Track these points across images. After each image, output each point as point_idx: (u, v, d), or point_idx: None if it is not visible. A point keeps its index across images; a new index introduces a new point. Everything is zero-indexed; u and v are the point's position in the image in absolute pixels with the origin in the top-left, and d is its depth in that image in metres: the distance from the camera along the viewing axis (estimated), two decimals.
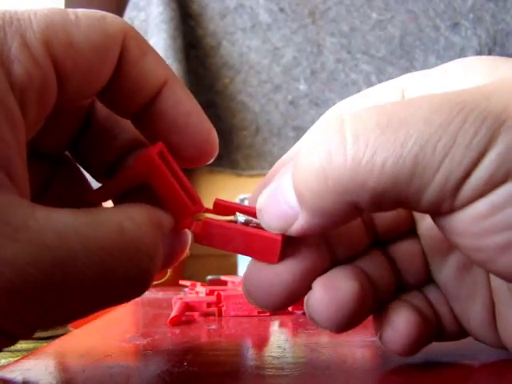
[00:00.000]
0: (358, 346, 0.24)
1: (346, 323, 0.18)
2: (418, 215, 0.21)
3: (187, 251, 0.20)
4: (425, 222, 0.20)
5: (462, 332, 0.21)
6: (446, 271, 0.20)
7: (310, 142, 0.16)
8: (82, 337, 0.29)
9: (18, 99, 0.15)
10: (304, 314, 0.35)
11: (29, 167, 0.16)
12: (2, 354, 0.44)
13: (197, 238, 0.19)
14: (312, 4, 0.90)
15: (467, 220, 0.15)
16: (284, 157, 0.21)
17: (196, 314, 0.35)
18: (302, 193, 0.16)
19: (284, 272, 0.18)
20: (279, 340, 0.27)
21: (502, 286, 0.19)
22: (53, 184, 0.21)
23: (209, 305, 0.35)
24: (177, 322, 0.32)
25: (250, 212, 0.19)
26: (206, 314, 0.35)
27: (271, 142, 0.88)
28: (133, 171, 0.19)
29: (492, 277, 0.20)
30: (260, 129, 0.89)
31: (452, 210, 0.15)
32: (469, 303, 0.20)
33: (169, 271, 0.27)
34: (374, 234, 0.21)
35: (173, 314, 0.32)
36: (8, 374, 0.20)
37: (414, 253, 0.21)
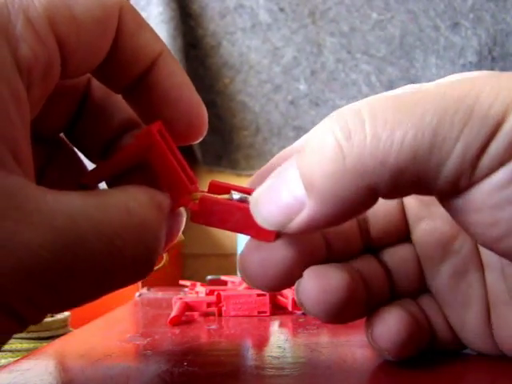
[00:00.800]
0: (357, 345, 0.24)
1: (336, 313, 0.18)
2: (412, 221, 0.20)
3: (181, 233, 0.20)
4: (419, 229, 0.20)
5: (455, 341, 0.21)
6: (439, 278, 0.20)
7: (322, 126, 0.16)
8: (82, 337, 0.29)
9: (25, 79, 0.15)
10: (304, 314, 0.35)
11: (62, 96, 0.17)
12: (1, 354, 0.44)
13: (194, 217, 0.19)
14: (312, 4, 0.90)
15: (486, 192, 0.14)
16: (285, 150, 0.20)
17: (196, 314, 0.35)
18: (312, 178, 0.15)
19: (279, 252, 0.18)
20: (279, 340, 0.27)
21: (500, 286, 0.19)
22: (49, 168, 0.21)
23: (209, 305, 0.35)
24: (177, 322, 0.32)
25: (246, 191, 0.19)
26: (206, 314, 0.35)
27: (271, 141, 0.88)
28: (132, 149, 0.19)
29: (490, 279, 0.20)
30: (260, 129, 0.89)
31: (470, 184, 0.15)
32: (462, 310, 0.20)
33: (165, 257, 0.27)
34: (368, 238, 0.21)
35: (173, 314, 0.32)
36: (8, 374, 0.20)
37: (408, 260, 0.21)
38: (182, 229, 0.20)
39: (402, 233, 0.21)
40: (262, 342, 0.27)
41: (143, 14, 0.91)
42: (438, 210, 0.20)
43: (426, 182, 0.15)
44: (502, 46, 0.89)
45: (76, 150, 0.22)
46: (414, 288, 0.21)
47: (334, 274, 0.18)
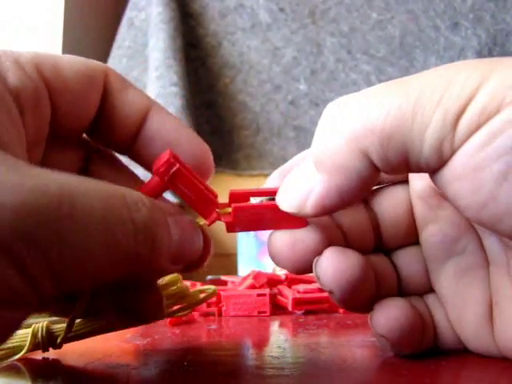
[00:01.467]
0: (358, 345, 0.24)
1: (349, 291, 0.19)
2: (420, 225, 0.21)
3: (212, 250, 0.21)
4: (426, 231, 0.21)
5: (457, 341, 0.21)
6: (443, 277, 0.21)
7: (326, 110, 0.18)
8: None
9: (15, 102, 0.16)
10: (304, 313, 0.35)
11: (63, 157, 0.20)
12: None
13: (229, 227, 0.20)
14: (312, 4, 0.90)
15: (466, 155, 0.15)
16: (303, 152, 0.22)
17: (196, 314, 0.35)
18: (318, 154, 0.17)
19: (309, 234, 0.20)
20: (279, 340, 0.27)
21: (505, 282, 0.19)
22: (90, 170, 0.22)
23: (209, 305, 0.35)
24: (177, 322, 0.32)
25: (264, 194, 0.20)
26: (206, 314, 0.35)
27: (271, 141, 0.88)
28: (155, 183, 0.19)
29: (494, 276, 0.20)
30: (260, 129, 0.89)
31: (452, 151, 0.16)
32: (464, 309, 0.20)
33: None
34: (380, 239, 0.22)
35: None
36: (7, 374, 0.20)
37: (416, 261, 0.21)
38: (202, 248, 0.20)
39: (411, 236, 0.22)
40: (262, 342, 0.28)
41: (143, 14, 0.90)
42: (444, 213, 0.21)
43: (413, 151, 0.16)
44: (502, 46, 0.89)
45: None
46: (421, 288, 0.22)
47: (352, 254, 0.19)
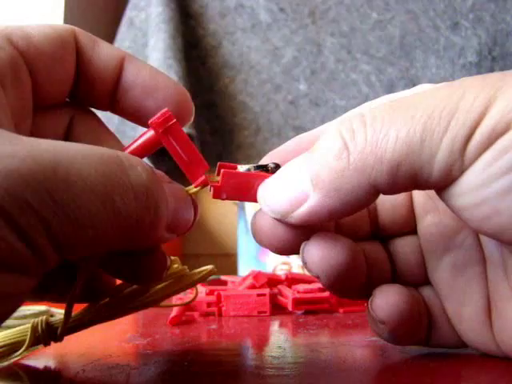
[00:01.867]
0: (357, 345, 0.24)
1: (337, 276, 0.19)
2: (419, 214, 0.21)
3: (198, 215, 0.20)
4: (425, 221, 0.21)
5: (454, 336, 0.21)
6: (440, 271, 0.21)
7: (331, 128, 0.18)
8: (82, 337, 0.29)
9: None
10: (304, 313, 0.35)
11: (49, 124, 0.20)
12: None
13: (216, 193, 0.20)
14: (312, 4, 0.90)
15: (474, 173, 0.16)
16: (301, 136, 0.22)
17: (196, 314, 0.35)
18: (319, 173, 0.17)
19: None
20: (279, 340, 0.27)
21: (502, 282, 0.19)
22: (74, 133, 0.22)
23: (209, 305, 0.35)
24: (177, 322, 0.32)
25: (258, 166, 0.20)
26: (206, 314, 0.35)
27: (271, 141, 0.88)
28: (151, 136, 0.19)
29: (492, 274, 0.20)
30: (260, 129, 0.89)
31: (462, 171, 0.16)
32: (462, 304, 0.20)
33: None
34: (377, 226, 0.22)
35: (173, 314, 0.32)
36: (7, 374, 0.20)
37: (413, 251, 0.21)
38: (193, 216, 0.20)
39: (409, 225, 0.22)
40: (262, 342, 0.27)
41: (143, 14, 0.90)
42: (444, 205, 0.20)
43: (422, 175, 0.16)
44: (501, 46, 0.89)
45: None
46: (417, 279, 0.22)
47: (340, 240, 0.19)
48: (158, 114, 0.19)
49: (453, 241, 0.20)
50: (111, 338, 0.27)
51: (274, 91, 0.90)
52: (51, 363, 0.23)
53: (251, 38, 0.90)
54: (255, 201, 0.20)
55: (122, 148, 0.20)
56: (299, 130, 0.89)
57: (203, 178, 0.20)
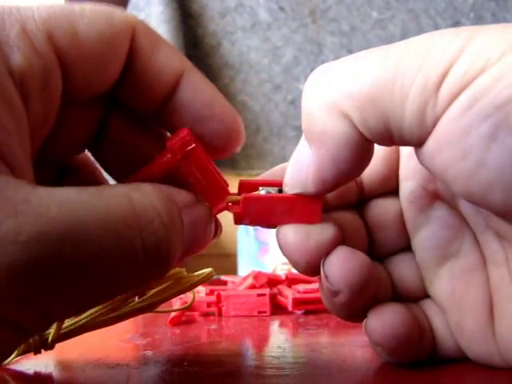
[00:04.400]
0: (357, 346, 0.24)
1: (359, 290, 0.18)
2: (411, 230, 0.21)
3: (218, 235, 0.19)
4: (418, 236, 0.20)
5: (457, 350, 0.20)
6: (439, 282, 0.20)
7: None
8: (82, 337, 0.29)
9: (18, 87, 0.14)
10: (304, 313, 0.35)
11: (77, 118, 0.17)
12: None
13: (238, 218, 0.19)
14: (312, 3, 0.90)
15: (451, 120, 0.15)
16: None
17: (196, 314, 0.35)
18: (305, 127, 0.17)
19: (321, 231, 0.19)
20: (279, 340, 0.27)
21: (505, 280, 0.19)
22: (109, 128, 0.19)
23: (209, 305, 0.35)
24: (177, 322, 0.32)
25: (274, 184, 0.19)
26: (206, 314, 0.35)
27: (271, 141, 0.88)
28: (166, 160, 0.18)
29: (493, 275, 0.19)
30: (260, 128, 0.89)
31: (436, 117, 0.15)
32: (463, 313, 0.19)
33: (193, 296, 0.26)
34: (372, 247, 0.21)
35: (173, 314, 0.32)
36: (7, 374, 0.20)
37: (409, 267, 0.21)
38: (213, 236, 0.19)
39: (402, 243, 0.21)
40: (262, 342, 0.27)
41: (143, 14, 0.90)
42: (437, 213, 0.20)
43: (394, 117, 0.16)
44: None
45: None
46: (416, 294, 0.21)
47: (360, 253, 0.19)
48: (176, 138, 0.17)
49: (448, 250, 0.20)
50: (111, 338, 0.27)
51: (273, 91, 0.90)
52: (51, 363, 0.23)
53: (251, 37, 0.90)
54: (281, 223, 0.19)
55: (140, 171, 0.18)
56: (299, 130, 0.89)
57: (223, 205, 0.19)
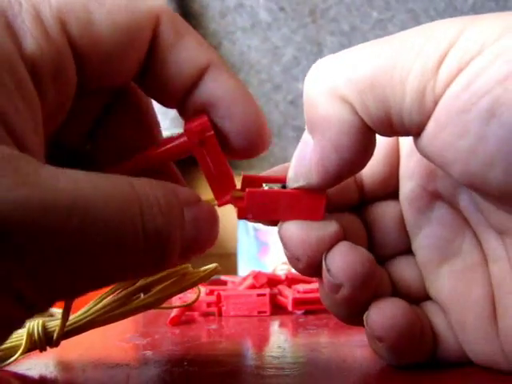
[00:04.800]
0: (357, 346, 0.24)
1: (361, 284, 0.18)
2: (412, 232, 0.21)
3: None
4: (418, 238, 0.21)
5: (459, 353, 0.20)
6: (440, 281, 0.20)
7: None
8: (82, 337, 0.29)
9: (30, 72, 0.14)
10: (304, 313, 0.35)
11: (83, 104, 0.17)
12: None
13: (241, 213, 0.19)
14: (312, 3, 0.90)
15: (451, 99, 0.15)
16: None
17: (196, 314, 0.35)
18: (307, 116, 0.17)
19: (323, 228, 0.19)
20: (279, 340, 0.27)
21: (507, 276, 0.19)
22: (107, 119, 0.19)
23: (209, 305, 0.35)
24: (177, 322, 0.32)
25: (277, 180, 0.19)
26: (206, 314, 0.35)
27: (271, 141, 0.88)
28: (182, 144, 0.18)
29: (495, 271, 0.19)
30: None
31: (435, 99, 0.15)
32: (465, 311, 0.19)
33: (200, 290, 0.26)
34: (371, 247, 0.21)
35: (173, 314, 0.32)
36: (8, 374, 0.20)
37: (409, 268, 0.21)
38: (216, 235, 0.18)
39: (402, 246, 0.21)
40: (262, 342, 0.27)
41: None
42: (437, 213, 0.20)
43: (394, 100, 0.16)
44: None
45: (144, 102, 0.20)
46: (417, 296, 0.21)
47: (362, 248, 0.19)
48: (196, 122, 0.17)
49: (449, 249, 0.20)
50: (111, 338, 0.27)
51: (273, 91, 0.90)
52: (51, 363, 0.23)
53: (251, 37, 0.90)
54: (285, 218, 0.19)
55: (151, 148, 0.18)
56: (299, 130, 0.89)
57: (228, 197, 0.19)
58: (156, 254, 0.15)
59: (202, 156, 0.18)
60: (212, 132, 0.17)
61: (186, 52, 0.17)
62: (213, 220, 0.18)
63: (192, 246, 0.17)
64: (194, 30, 0.18)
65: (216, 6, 0.90)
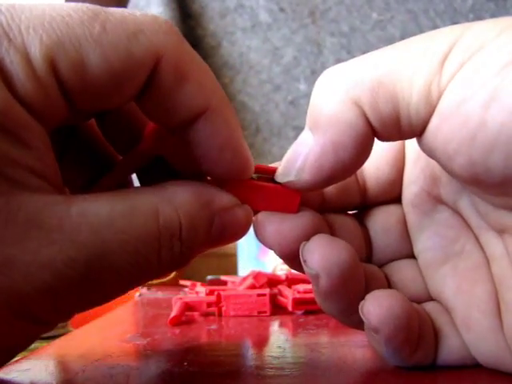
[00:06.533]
0: (357, 346, 0.24)
1: (339, 275, 0.18)
2: (414, 234, 0.21)
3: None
4: (423, 237, 0.21)
5: (463, 351, 0.20)
6: (443, 281, 0.20)
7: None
8: (82, 337, 0.29)
9: (27, 108, 0.15)
10: (304, 313, 0.35)
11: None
12: None
13: None
14: (312, 4, 0.90)
15: (453, 90, 0.16)
16: None
17: (196, 314, 0.35)
18: (312, 115, 0.18)
19: (299, 218, 0.19)
20: (279, 340, 0.27)
21: (509, 274, 0.19)
22: (68, 153, 0.20)
23: (209, 305, 0.35)
24: (177, 322, 0.32)
25: (268, 170, 0.20)
26: (206, 314, 0.35)
27: (271, 141, 0.88)
28: (145, 145, 0.19)
29: (497, 270, 0.19)
30: (260, 129, 0.89)
31: (440, 92, 0.16)
32: (469, 307, 0.19)
33: (173, 273, 0.27)
34: (371, 253, 0.21)
35: (173, 314, 0.32)
36: (7, 375, 0.20)
37: (410, 270, 0.21)
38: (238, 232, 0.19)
39: (403, 249, 0.21)
40: (261, 342, 0.27)
41: None
42: (441, 216, 0.20)
43: (403, 97, 0.16)
44: None
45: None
46: (418, 297, 0.21)
47: (340, 240, 0.19)
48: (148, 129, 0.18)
49: (452, 250, 0.20)
50: (111, 338, 0.27)
51: (273, 91, 0.90)
52: (51, 363, 0.23)
53: (251, 37, 0.90)
54: (261, 209, 0.19)
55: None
56: (299, 130, 0.89)
57: None
58: (168, 271, 0.17)
59: (167, 150, 0.19)
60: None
61: (183, 96, 0.16)
62: (243, 225, 0.18)
63: (211, 245, 0.18)
64: (198, 67, 0.17)
65: (216, 6, 0.90)
